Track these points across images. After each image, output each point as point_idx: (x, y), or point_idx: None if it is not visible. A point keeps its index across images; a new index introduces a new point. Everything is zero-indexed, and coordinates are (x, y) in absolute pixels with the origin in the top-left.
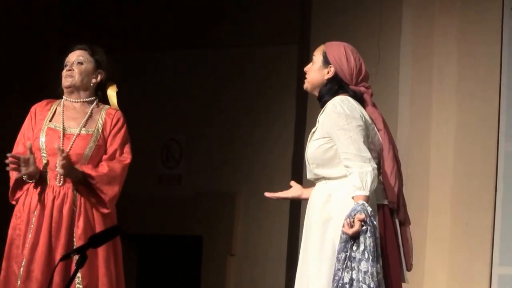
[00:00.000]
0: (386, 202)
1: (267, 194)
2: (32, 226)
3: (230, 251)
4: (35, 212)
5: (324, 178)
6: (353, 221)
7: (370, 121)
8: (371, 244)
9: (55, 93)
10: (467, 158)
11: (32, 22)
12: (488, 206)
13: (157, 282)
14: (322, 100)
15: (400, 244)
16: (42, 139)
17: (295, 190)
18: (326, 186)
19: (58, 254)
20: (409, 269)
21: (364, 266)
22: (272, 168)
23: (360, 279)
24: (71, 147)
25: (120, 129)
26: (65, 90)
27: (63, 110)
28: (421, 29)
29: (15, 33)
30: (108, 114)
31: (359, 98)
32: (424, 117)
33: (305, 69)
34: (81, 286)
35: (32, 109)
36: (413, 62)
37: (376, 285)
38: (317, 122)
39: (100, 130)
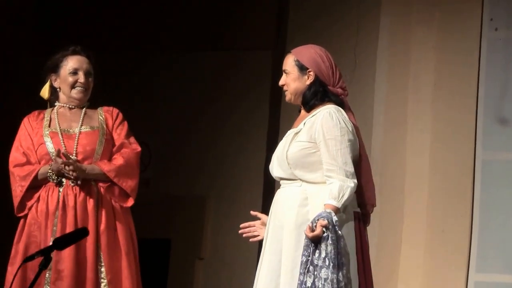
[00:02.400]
0: (358, 210)
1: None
2: (55, 228)
3: (199, 254)
4: (56, 213)
5: (300, 180)
6: (315, 226)
7: (355, 134)
8: (332, 252)
9: (36, 97)
10: (444, 166)
11: (7, 24)
12: (465, 213)
13: None
14: (309, 104)
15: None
16: (49, 143)
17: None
18: (301, 189)
19: (87, 250)
20: None
21: (324, 273)
22: (242, 171)
23: (320, 286)
24: (77, 145)
25: (122, 122)
26: (69, 99)
27: (57, 115)
28: (398, 37)
29: None
30: (106, 111)
31: (341, 104)
32: (399, 125)
33: (281, 83)
34: (105, 281)
35: (25, 119)
36: (389, 69)
37: None
38: (302, 124)
39: (104, 126)
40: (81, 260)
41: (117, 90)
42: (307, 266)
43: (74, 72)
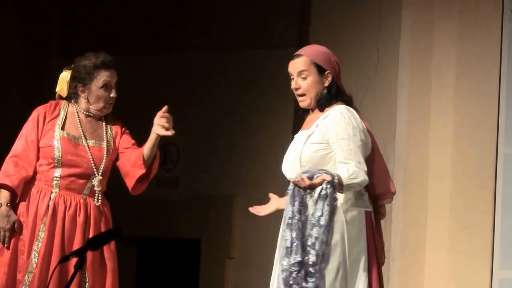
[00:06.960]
0: (369, 209)
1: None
2: (41, 234)
3: (228, 254)
4: (44, 219)
5: None
6: (317, 177)
7: (367, 133)
8: (328, 213)
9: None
10: (466, 161)
11: (31, 25)
12: (488, 209)
13: (154, 285)
14: (323, 105)
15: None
16: (57, 149)
17: (274, 203)
18: None
19: (71, 264)
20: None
21: (316, 231)
22: (270, 170)
23: (309, 243)
24: (93, 158)
25: (127, 131)
26: (93, 109)
27: (79, 121)
28: (420, 32)
29: (14, 36)
30: (115, 127)
31: (350, 102)
32: (423, 120)
33: (296, 86)
34: None
35: (40, 111)
36: (411, 65)
37: (324, 254)
38: (314, 126)
39: (111, 143)
40: (65, 273)
41: (144, 91)
42: (293, 222)
43: (106, 87)
